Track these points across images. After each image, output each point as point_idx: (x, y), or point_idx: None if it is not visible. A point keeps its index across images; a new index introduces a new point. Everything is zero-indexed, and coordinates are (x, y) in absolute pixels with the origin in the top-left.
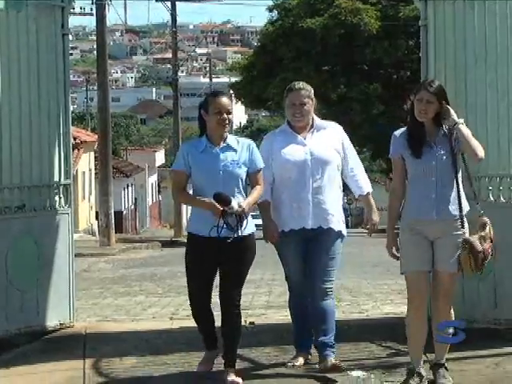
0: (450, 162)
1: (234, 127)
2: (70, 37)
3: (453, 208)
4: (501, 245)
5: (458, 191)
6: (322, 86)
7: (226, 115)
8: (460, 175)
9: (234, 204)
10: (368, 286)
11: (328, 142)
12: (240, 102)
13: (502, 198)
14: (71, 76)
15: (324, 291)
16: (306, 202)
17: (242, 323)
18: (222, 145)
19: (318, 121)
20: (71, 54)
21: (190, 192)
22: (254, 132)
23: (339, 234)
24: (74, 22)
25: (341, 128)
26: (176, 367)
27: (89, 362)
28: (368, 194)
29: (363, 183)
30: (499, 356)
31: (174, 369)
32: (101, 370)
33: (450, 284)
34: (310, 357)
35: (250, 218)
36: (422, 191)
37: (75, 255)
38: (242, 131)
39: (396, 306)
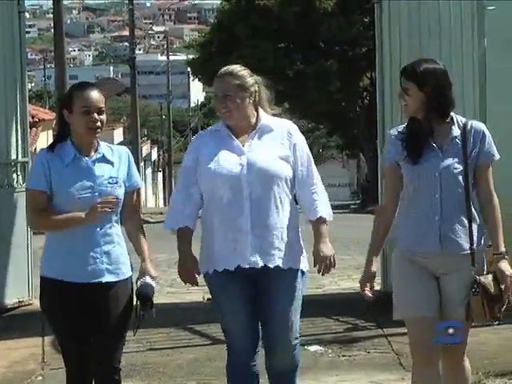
0: (460, 175)
1: (192, 105)
2: (27, 15)
3: (462, 239)
4: None
5: (470, 216)
6: (279, 63)
7: (96, 115)
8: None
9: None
10: None
11: (274, 147)
12: (197, 80)
13: None
14: (29, 54)
15: (288, 349)
16: (243, 232)
17: (200, 299)
18: (95, 156)
19: (265, 120)
20: (28, 32)
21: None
22: (211, 110)
23: (295, 272)
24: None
25: (294, 128)
26: (135, 343)
27: (48, 340)
28: (322, 219)
29: (319, 204)
30: None
31: (131, 344)
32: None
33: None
34: None
35: (128, 257)
36: (422, 212)
37: (34, 233)
38: (199, 109)
39: (353, 282)
